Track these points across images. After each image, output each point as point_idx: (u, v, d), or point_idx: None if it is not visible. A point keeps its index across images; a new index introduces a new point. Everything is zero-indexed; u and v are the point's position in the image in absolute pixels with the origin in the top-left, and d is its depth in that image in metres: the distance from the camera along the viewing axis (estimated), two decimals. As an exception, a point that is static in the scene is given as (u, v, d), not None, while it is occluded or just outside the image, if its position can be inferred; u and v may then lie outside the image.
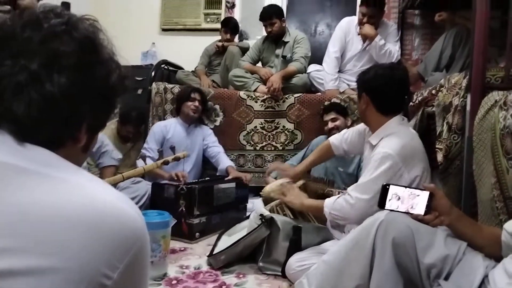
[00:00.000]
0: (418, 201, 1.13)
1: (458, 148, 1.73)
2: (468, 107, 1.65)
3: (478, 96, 1.59)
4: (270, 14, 3.05)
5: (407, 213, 1.13)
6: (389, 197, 1.13)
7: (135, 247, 0.52)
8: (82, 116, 0.59)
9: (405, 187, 1.14)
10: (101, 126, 0.67)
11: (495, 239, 1.11)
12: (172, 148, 2.14)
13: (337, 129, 2.42)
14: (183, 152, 2.22)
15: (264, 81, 2.97)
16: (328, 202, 1.57)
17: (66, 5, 2.37)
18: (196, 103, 2.75)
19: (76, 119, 0.58)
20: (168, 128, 2.75)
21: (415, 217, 1.13)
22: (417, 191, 1.13)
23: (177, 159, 2.09)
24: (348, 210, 1.49)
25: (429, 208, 1.13)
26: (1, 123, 0.53)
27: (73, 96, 0.55)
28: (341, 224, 1.66)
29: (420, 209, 1.13)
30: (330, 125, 2.51)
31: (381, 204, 1.13)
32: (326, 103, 2.82)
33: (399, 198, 1.13)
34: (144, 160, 2.23)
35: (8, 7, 2.22)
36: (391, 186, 1.13)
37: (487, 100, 1.50)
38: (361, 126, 1.78)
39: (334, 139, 1.91)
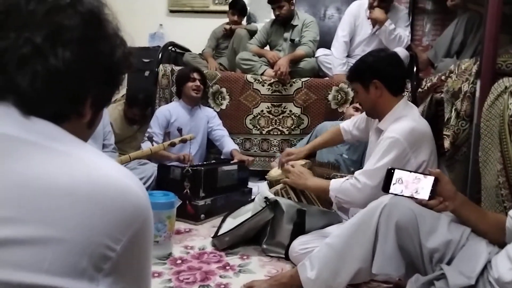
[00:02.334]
0: (422, 185, 1.13)
1: (465, 134, 1.72)
2: (477, 94, 1.63)
3: (488, 83, 1.57)
4: None
5: (411, 197, 1.13)
6: (393, 181, 1.13)
7: (138, 221, 0.52)
8: (87, 91, 0.59)
9: (410, 171, 1.14)
10: (106, 102, 0.67)
11: (499, 226, 1.11)
12: (179, 130, 2.15)
13: None
14: (189, 134, 2.22)
15: (271, 65, 2.95)
16: (334, 184, 1.56)
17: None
18: (197, 83, 2.74)
19: (80, 94, 0.58)
20: (171, 112, 2.75)
21: (419, 202, 1.13)
22: (422, 176, 1.13)
23: (183, 141, 2.10)
24: (355, 194, 1.49)
25: (433, 193, 1.12)
26: (6, 96, 0.53)
27: (77, 70, 0.55)
28: (347, 207, 1.67)
29: (424, 194, 1.13)
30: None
31: (386, 188, 1.14)
32: (334, 88, 2.80)
33: (403, 182, 1.13)
34: (151, 141, 2.24)
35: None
36: (396, 170, 1.13)
37: (497, 87, 1.48)
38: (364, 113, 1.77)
39: (345, 124, 1.91)
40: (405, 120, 1.51)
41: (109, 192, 0.51)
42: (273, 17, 3.25)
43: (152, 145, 2.18)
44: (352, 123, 1.87)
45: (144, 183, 2.27)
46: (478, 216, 1.14)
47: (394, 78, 1.57)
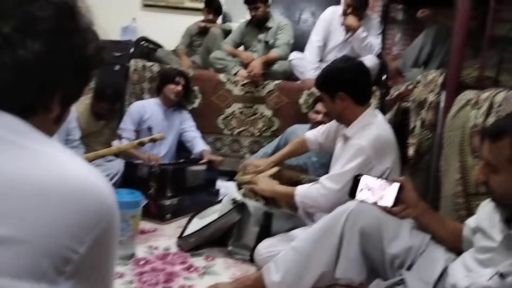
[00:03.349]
0: (387, 192, 1.16)
1: (429, 143, 1.77)
2: (442, 104, 1.69)
3: (452, 94, 1.63)
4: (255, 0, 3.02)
5: (376, 204, 1.15)
6: (360, 187, 1.15)
7: (103, 221, 0.51)
8: (56, 85, 0.57)
9: (376, 178, 1.17)
10: (75, 98, 0.65)
11: (457, 234, 1.16)
12: (149, 129, 2.10)
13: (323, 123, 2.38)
14: (160, 133, 2.18)
15: (245, 66, 2.94)
16: (299, 190, 1.59)
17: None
18: (180, 88, 2.68)
19: (49, 88, 0.56)
20: (146, 108, 2.68)
21: (384, 208, 1.16)
22: (387, 183, 1.16)
23: (153, 140, 2.06)
24: (320, 199, 1.52)
25: (397, 200, 1.16)
26: None
27: (47, 63, 0.54)
28: (312, 212, 1.69)
29: (388, 201, 1.15)
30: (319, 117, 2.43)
31: (352, 194, 1.16)
32: (305, 92, 2.83)
33: (369, 189, 1.16)
34: (119, 139, 2.19)
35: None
36: (362, 176, 1.15)
37: (460, 99, 1.54)
38: (335, 122, 1.80)
39: (311, 134, 1.93)
40: (371, 128, 1.55)
41: (74, 191, 0.49)
42: (248, 17, 3.24)
43: (121, 143, 2.13)
44: (319, 133, 1.89)
45: (110, 180, 2.22)
46: (438, 224, 1.19)
47: (360, 89, 1.60)
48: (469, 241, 1.12)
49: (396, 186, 1.14)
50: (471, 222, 1.12)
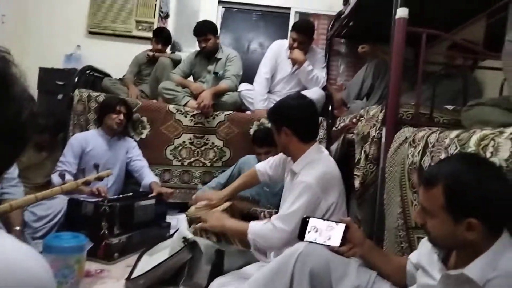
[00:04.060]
0: (334, 233, 1.20)
1: (373, 176, 1.86)
2: (383, 139, 1.79)
3: (392, 130, 1.73)
4: (205, 31, 3.06)
5: (324, 244, 1.19)
6: (308, 229, 1.18)
7: None
8: None
9: (324, 219, 1.21)
10: (9, 164, 0.62)
11: (401, 269, 1.21)
12: (96, 166, 2.02)
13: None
14: (106, 171, 2.10)
15: (194, 96, 2.95)
16: (252, 228, 1.59)
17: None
18: (121, 116, 2.61)
19: None
20: (88, 140, 2.59)
21: (332, 249, 1.19)
22: (334, 224, 1.20)
23: (99, 178, 1.98)
24: (272, 240, 1.54)
25: (344, 239, 1.20)
26: None
27: None
28: (264, 250, 1.70)
29: (336, 241, 1.19)
30: (264, 157, 2.49)
31: (301, 236, 1.18)
32: (255, 123, 2.88)
33: (317, 230, 1.19)
34: (62, 178, 2.08)
35: None
36: (310, 219, 1.18)
37: (399, 135, 1.64)
38: (282, 154, 1.84)
39: (260, 166, 1.96)
40: (316, 164, 1.60)
41: (8, 278, 0.47)
42: (197, 47, 3.27)
43: (63, 180, 2.03)
44: (268, 165, 1.93)
45: (52, 219, 2.10)
46: (383, 260, 1.24)
47: (304, 128, 1.66)
48: (412, 276, 1.17)
49: (342, 226, 1.19)
50: (413, 257, 1.18)
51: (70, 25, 3.95)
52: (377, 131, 1.84)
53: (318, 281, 1.15)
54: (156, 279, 1.72)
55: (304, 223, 1.17)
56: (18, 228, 1.79)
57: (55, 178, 2.39)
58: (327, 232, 1.19)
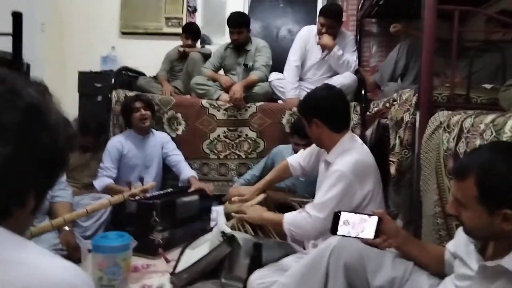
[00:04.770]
0: (367, 225, 1.19)
1: (408, 163, 1.83)
2: (417, 124, 1.75)
3: (426, 115, 1.69)
4: (239, 24, 3.06)
5: (357, 237, 1.19)
6: (340, 223, 1.19)
7: None
8: (29, 184, 0.58)
9: (356, 213, 1.21)
10: (49, 188, 0.66)
11: (439, 258, 1.19)
12: (141, 179, 2.11)
13: None
14: (150, 183, 2.17)
15: (226, 89, 2.98)
16: (287, 218, 1.62)
17: (18, 15, 2.27)
18: (142, 111, 2.65)
19: (22, 188, 0.57)
20: (123, 143, 2.67)
21: (365, 241, 1.19)
22: (367, 217, 1.20)
23: (144, 191, 2.07)
24: (307, 228, 1.56)
25: (378, 232, 1.19)
26: None
27: (17, 166, 0.55)
28: (300, 240, 1.73)
29: (369, 233, 1.19)
30: (295, 147, 2.50)
31: (333, 230, 1.19)
32: (287, 113, 2.87)
33: (350, 224, 1.19)
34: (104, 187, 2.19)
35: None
36: (342, 213, 1.19)
37: (433, 120, 1.60)
38: (315, 146, 1.84)
39: (292, 160, 1.97)
40: (350, 154, 1.60)
41: None
42: (226, 41, 3.29)
43: (106, 186, 2.14)
44: (300, 158, 1.93)
45: (98, 219, 2.22)
46: (419, 250, 1.22)
47: (334, 119, 1.65)
48: (450, 265, 1.16)
49: (375, 219, 1.18)
50: (450, 246, 1.16)
51: (104, 28, 4.09)
52: (411, 116, 1.80)
53: (353, 274, 1.16)
54: (198, 273, 1.78)
55: (336, 217, 1.18)
56: (68, 228, 1.91)
57: (97, 184, 2.51)
58: (360, 225, 1.19)
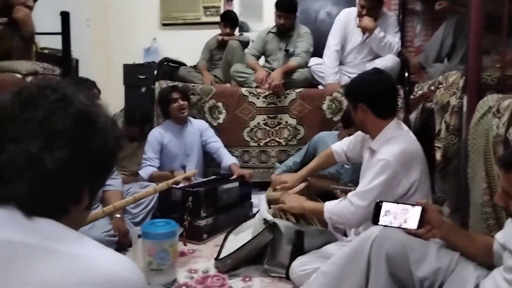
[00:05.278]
0: (410, 215, 1.17)
1: (455, 149, 1.76)
2: (464, 109, 1.68)
3: (474, 98, 1.62)
4: (288, 9, 3.02)
5: (400, 227, 1.18)
6: (382, 213, 1.18)
7: None
8: (82, 183, 0.63)
9: (398, 203, 1.19)
10: (101, 185, 0.72)
11: (487, 248, 1.16)
12: (183, 167, 2.19)
13: None
14: (192, 170, 2.26)
15: (258, 83, 2.97)
16: (328, 206, 1.62)
17: (65, 15, 2.39)
18: (180, 102, 2.71)
19: (76, 187, 0.63)
20: (163, 134, 2.74)
21: (409, 232, 1.17)
22: (409, 206, 1.18)
23: (187, 178, 2.15)
24: (348, 216, 1.55)
25: (421, 222, 1.17)
26: (9, 201, 0.58)
27: (72, 169, 0.60)
28: (341, 228, 1.72)
29: (412, 224, 1.17)
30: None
31: (375, 221, 1.18)
32: (327, 98, 2.84)
33: (392, 214, 1.18)
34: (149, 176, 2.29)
35: (5, 19, 2.26)
36: (383, 203, 1.18)
37: (482, 105, 1.52)
38: (361, 132, 1.81)
39: (337, 146, 1.94)
40: (395, 142, 1.55)
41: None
42: (264, 27, 3.26)
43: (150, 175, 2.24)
44: (345, 145, 1.91)
45: (146, 206, 2.33)
46: (466, 240, 1.19)
47: (380, 104, 1.60)
48: (499, 256, 1.12)
49: (418, 209, 1.16)
50: (499, 237, 1.13)
51: (146, 20, 4.19)
52: (458, 100, 1.73)
53: (395, 265, 1.15)
54: (242, 259, 1.84)
55: (377, 207, 1.17)
56: (119, 215, 2.02)
57: (142, 173, 2.62)
58: (402, 215, 1.17)
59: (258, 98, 2.96)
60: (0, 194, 0.57)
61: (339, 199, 1.65)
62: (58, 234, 0.58)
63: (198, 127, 2.87)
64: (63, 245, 0.56)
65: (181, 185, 2.38)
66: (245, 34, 3.69)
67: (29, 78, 2.16)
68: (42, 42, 2.94)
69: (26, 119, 0.59)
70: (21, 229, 0.56)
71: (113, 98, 3.57)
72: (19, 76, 2.16)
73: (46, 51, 2.98)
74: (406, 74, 2.78)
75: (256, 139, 3.00)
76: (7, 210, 0.57)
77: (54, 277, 0.53)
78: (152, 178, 2.58)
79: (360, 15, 2.80)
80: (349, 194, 1.59)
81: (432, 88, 2.12)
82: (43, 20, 2.53)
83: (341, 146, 1.93)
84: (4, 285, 0.52)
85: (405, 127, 1.69)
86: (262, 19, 3.31)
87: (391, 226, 1.17)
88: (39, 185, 0.58)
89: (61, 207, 0.61)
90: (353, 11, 2.93)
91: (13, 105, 0.60)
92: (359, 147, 1.84)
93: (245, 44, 3.40)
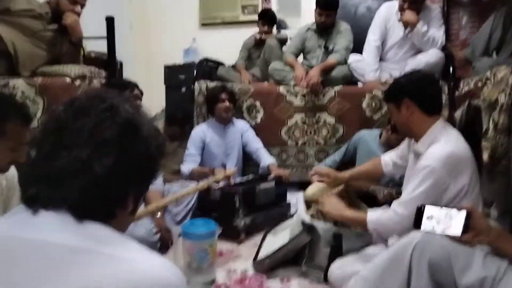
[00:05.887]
0: (455, 221, 1.13)
1: (504, 149, 1.67)
2: (515, 107, 1.58)
3: (526, 96, 1.52)
4: (331, 7, 2.98)
5: (443, 233, 1.13)
6: (424, 218, 1.14)
7: None
8: (128, 188, 0.67)
9: (441, 207, 1.14)
10: (145, 191, 0.75)
11: (539, 256, 1.09)
12: (224, 166, 2.23)
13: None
14: (231, 169, 2.30)
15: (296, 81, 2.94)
16: (371, 218, 1.57)
17: (110, 20, 2.49)
18: (227, 103, 2.75)
19: (123, 193, 0.66)
20: (205, 132, 2.80)
21: (453, 238, 1.13)
22: (454, 211, 1.13)
23: (227, 177, 2.19)
24: (393, 227, 1.51)
25: (466, 227, 1.12)
26: (61, 206, 0.62)
27: (118, 174, 0.64)
28: (385, 238, 1.67)
29: (457, 229, 1.12)
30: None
31: (417, 225, 1.15)
32: (367, 96, 2.78)
33: (435, 219, 1.14)
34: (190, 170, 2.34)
35: (55, 25, 2.39)
36: (426, 207, 1.14)
37: (534, 103, 1.43)
38: (407, 140, 1.75)
39: (387, 156, 1.89)
40: (442, 145, 1.48)
41: None
42: (302, 24, 3.23)
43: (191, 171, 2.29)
44: (395, 154, 1.85)
45: (187, 204, 2.39)
46: (516, 248, 1.13)
47: (426, 97, 1.54)
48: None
49: (463, 214, 1.11)
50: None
51: (186, 21, 4.28)
52: (507, 98, 1.63)
53: (438, 272, 1.11)
54: (280, 259, 1.84)
55: (419, 212, 1.13)
56: (160, 214, 2.08)
57: (184, 168, 2.68)
58: (446, 220, 1.12)
59: (296, 97, 2.94)
60: (53, 197, 0.61)
61: (382, 210, 1.60)
62: (107, 238, 0.61)
63: (240, 127, 2.90)
64: (112, 249, 0.60)
65: (220, 184, 2.43)
66: (283, 31, 3.68)
67: (77, 81, 2.27)
68: (89, 46, 3.08)
69: (78, 128, 0.63)
70: (73, 233, 0.60)
71: (155, 99, 3.67)
72: (68, 79, 2.28)
73: (92, 54, 3.12)
74: (451, 70, 2.66)
75: (294, 138, 2.98)
76: (59, 214, 0.61)
77: (104, 279, 0.56)
78: (193, 174, 2.63)
79: (402, 9, 2.71)
80: (394, 204, 1.54)
81: (479, 84, 2.01)
82: (90, 25, 2.64)
83: (391, 155, 1.87)
84: (59, 287, 0.56)
85: (453, 129, 1.60)
86: (300, 16, 3.28)
87: (434, 232, 1.13)
88: (88, 190, 0.61)
89: (108, 212, 0.65)
90: (394, 5, 2.84)
91: (66, 115, 0.65)
92: (406, 152, 1.78)
93: (283, 41, 3.39)
